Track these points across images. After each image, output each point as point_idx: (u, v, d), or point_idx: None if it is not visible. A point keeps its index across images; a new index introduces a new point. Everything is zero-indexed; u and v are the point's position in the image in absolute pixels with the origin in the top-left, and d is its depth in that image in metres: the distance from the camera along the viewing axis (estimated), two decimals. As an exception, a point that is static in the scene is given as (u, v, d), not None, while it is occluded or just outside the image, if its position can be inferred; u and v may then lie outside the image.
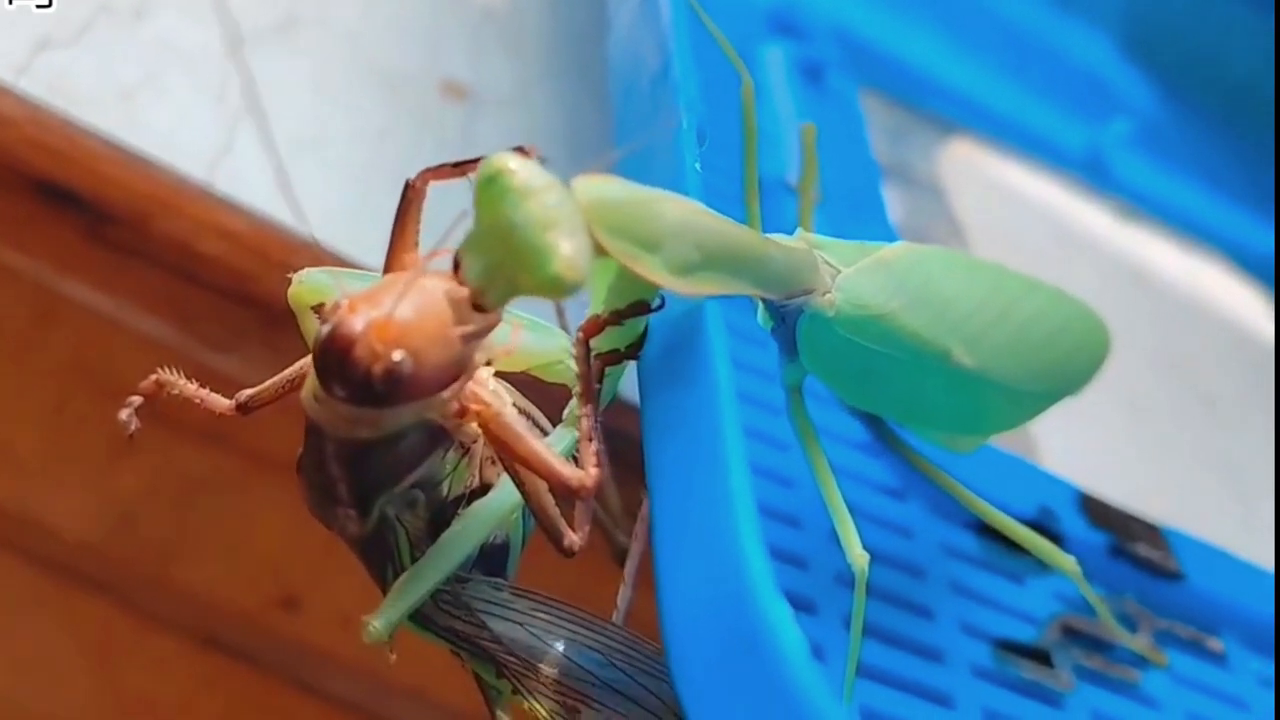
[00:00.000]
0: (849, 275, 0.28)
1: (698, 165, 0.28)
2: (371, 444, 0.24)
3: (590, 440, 0.25)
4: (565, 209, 0.23)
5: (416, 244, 0.25)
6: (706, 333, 0.25)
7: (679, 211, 0.25)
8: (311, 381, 0.23)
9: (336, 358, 0.22)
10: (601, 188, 0.24)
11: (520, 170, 0.23)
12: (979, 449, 0.33)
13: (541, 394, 0.27)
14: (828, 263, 0.28)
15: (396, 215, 0.25)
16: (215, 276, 0.37)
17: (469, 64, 0.45)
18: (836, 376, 0.29)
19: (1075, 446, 0.44)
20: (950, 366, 0.29)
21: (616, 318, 0.26)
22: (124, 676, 0.46)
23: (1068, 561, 0.30)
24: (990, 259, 0.34)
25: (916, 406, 0.30)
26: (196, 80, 0.39)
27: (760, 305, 0.28)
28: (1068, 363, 0.32)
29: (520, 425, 0.25)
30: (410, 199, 0.25)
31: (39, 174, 0.36)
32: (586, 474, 0.24)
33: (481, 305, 0.23)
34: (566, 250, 0.22)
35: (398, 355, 0.22)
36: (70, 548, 0.42)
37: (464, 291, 0.23)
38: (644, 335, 0.26)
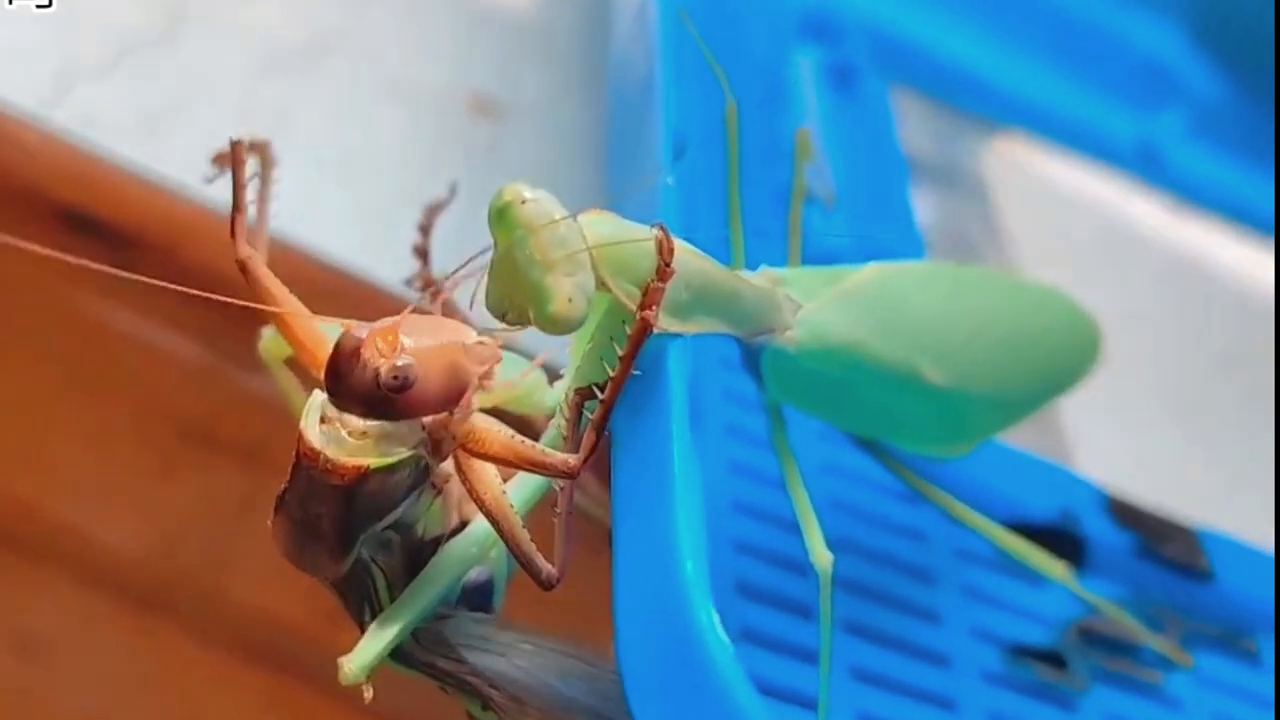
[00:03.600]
0: (810, 310, 0.28)
1: (670, 180, 0.28)
2: (364, 477, 0.24)
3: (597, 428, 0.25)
4: (566, 247, 0.23)
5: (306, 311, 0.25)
6: (669, 355, 0.25)
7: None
8: (314, 406, 0.24)
9: (346, 360, 0.23)
10: (601, 226, 0.24)
11: (525, 204, 0.23)
12: (977, 450, 0.32)
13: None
14: (789, 298, 0.27)
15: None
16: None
17: (499, 80, 0.46)
18: (808, 404, 0.29)
19: (1115, 449, 0.43)
20: (923, 385, 0.29)
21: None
22: (186, 693, 0.46)
23: (1057, 568, 0.29)
24: (982, 267, 0.34)
25: (894, 424, 0.30)
26: (222, 106, 0.40)
27: None
28: (1054, 367, 0.32)
29: (492, 426, 0.24)
30: (246, 269, 0.25)
31: (63, 203, 0.37)
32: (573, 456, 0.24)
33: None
34: (563, 292, 0.23)
35: (403, 360, 0.23)
36: (123, 566, 0.43)
37: (473, 332, 0.24)
38: None
